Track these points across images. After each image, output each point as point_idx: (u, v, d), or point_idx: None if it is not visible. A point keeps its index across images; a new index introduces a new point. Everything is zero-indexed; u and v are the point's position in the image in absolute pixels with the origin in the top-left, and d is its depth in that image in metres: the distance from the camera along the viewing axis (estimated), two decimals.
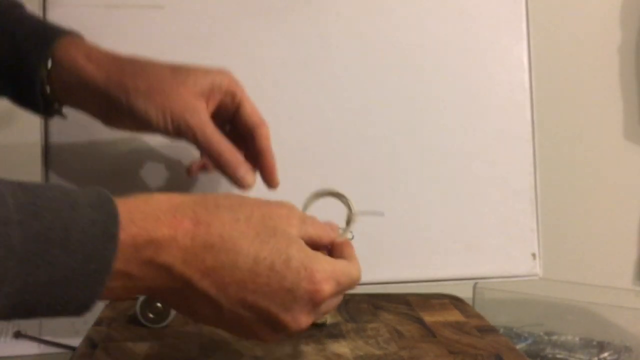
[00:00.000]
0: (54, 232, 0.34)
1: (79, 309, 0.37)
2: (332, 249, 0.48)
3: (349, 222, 0.52)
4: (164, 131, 0.54)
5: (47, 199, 0.35)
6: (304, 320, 0.43)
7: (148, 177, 0.67)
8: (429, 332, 0.62)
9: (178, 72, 0.55)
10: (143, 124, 0.54)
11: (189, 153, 0.64)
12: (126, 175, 0.66)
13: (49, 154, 0.65)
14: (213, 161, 0.55)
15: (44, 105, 0.55)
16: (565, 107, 1.01)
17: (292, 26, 0.68)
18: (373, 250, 0.65)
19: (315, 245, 0.46)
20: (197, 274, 0.40)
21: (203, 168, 0.63)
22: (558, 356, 0.76)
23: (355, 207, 0.52)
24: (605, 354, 0.76)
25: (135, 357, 0.56)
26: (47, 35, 0.55)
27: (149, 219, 0.38)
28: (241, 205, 0.42)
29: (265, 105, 0.68)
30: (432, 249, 0.69)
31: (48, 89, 0.54)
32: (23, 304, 0.35)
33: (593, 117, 1.03)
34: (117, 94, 0.53)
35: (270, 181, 0.58)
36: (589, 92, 1.03)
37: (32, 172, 0.65)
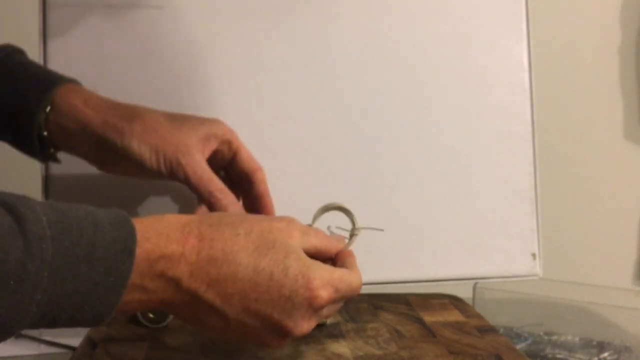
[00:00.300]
0: (80, 247, 0.37)
1: (96, 320, 0.39)
2: (335, 259, 0.50)
3: (351, 235, 0.55)
4: (157, 172, 0.56)
5: (74, 218, 0.38)
6: (305, 325, 0.45)
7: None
8: (429, 332, 0.62)
9: (174, 119, 0.57)
10: (137, 166, 0.56)
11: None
12: (123, 179, 0.66)
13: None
14: (204, 201, 0.56)
15: (40, 149, 0.57)
16: (565, 107, 1.01)
17: (292, 26, 0.68)
18: (373, 250, 0.65)
19: (322, 255, 0.48)
20: (202, 286, 0.42)
21: None
22: (558, 356, 0.76)
23: (359, 222, 0.55)
24: (605, 354, 0.76)
25: (135, 357, 0.56)
26: (47, 81, 0.56)
27: (161, 236, 0.41)
28: (242, 222, 0.45)
29: (265, 105, 0.68)
30: (432, 249, 0.69)
31: (45, 133, 0.56)
32: (49, 313, 0.37)
33: (593, 117, 1.03)
34: (112, 136, 0.55)
35: None
36: (589, 92, 1.03)
37: (31, 173, 0.66)
